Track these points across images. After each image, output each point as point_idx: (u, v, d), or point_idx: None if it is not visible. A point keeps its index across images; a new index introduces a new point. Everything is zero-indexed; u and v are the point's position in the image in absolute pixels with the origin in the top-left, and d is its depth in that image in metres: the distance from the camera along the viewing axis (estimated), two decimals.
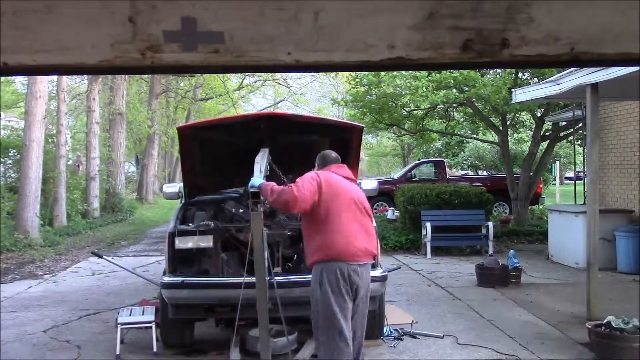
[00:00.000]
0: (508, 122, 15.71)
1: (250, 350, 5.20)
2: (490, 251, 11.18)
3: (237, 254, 5.62)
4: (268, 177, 4.80)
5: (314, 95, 37.60)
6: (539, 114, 14.52)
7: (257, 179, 4.46)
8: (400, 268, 9.29)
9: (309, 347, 5.30)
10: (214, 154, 6.20)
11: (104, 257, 7.48)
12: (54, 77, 18.31)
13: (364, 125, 7.08)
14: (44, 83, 13.85)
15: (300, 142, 6.08)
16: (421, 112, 16.21)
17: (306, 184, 4.32)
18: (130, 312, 5.94)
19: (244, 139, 5.66)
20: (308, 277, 5.15)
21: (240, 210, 5.80)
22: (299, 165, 5.64)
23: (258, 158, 4.84)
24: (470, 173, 24.88)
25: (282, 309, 4.55)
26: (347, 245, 4.30)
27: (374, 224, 4.75)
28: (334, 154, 4.72)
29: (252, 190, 4.33)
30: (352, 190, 4.58)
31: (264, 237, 4.34)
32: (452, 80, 13.23)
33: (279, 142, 5.52)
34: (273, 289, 4.61)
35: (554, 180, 26.30)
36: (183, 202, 6.47)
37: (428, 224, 11.62)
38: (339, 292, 4.24)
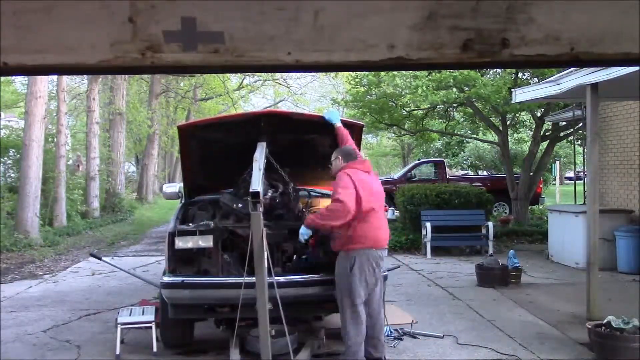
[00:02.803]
0: (508, 122, 15.70)
1: (251, 351, 5.20)
2: (490, 251, 11.17)
3: (238, 253, 5.60)
4: (265, 172, 4.87)
5: (314, 95, 37.67)
6: (539, 114, 14.52)
7: (305, 230, 5.00)
8: (399, 267, 9.29)
9: (309, 348, 5.30)
10: (215, 153, 6.18)
11: (102, 258, 7.42)
12: (54, 77, 18.31)
13: (363, 124, 7.11)
14: (44, 83, 13.85)
15: (301, 140, 6.08)
16: (421, 112, 16.21)
17: (345, 195, 4.79)
18: (130, 312, 5.94)
19: (245, 137, 5.64)
20: (308, 277, 5.19)
21: (240, 205, 5.72)
22: (299, 163, 5.63)
23: (256, 155, 4.82)
24: (470, 173, 24.88)
25: (283, 309, 4.54)
26: (378, 235, 5.03)
27: None
28: (355, 151, 5.24)
29: (252, 190, 4.33)
30: (377, 185, 5.19)
31: (264, 237, 4.33)
32: (452, 80, 13.22)
33: (279, 139, 5.52)
34: (273, 288, 4.60)
35: (554, 180, 26.30)
36: (183, 202, 6.46)
37: (428, 224, 11.62)
38: (366, 276, 4.93)
